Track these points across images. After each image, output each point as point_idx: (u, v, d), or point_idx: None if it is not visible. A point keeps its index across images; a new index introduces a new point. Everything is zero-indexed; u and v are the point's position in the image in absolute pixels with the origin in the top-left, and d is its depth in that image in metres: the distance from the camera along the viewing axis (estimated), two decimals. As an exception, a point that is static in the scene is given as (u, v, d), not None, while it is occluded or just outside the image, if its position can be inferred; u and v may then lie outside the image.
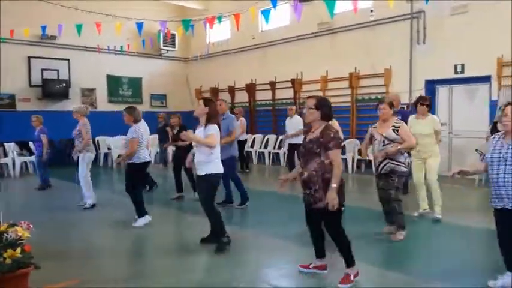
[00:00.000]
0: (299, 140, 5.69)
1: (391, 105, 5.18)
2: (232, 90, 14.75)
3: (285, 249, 4.96)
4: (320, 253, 4.05)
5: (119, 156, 6.97)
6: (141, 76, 15.69)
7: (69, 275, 4.15)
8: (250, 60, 14.27)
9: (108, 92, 14.95)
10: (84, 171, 7.12)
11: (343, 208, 6.27)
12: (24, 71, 13.10)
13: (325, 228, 3.84)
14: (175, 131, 7.95)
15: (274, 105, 13.72)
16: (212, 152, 4.71)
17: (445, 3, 9.59)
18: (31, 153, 11.42)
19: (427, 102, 6.02)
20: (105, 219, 6.61)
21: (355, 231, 5.58)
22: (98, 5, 12.04)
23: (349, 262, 3.83)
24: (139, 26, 10.49)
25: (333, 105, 4.02)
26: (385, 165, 5.02)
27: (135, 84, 15.62)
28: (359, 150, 10.96)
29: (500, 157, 3.42)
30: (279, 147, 12.82)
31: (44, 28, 11.02)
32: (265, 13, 9.76)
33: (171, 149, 10.33)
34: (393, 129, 5.03)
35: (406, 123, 5.71)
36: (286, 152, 10.32)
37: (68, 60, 13.81)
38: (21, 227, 3.49)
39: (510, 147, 3.38)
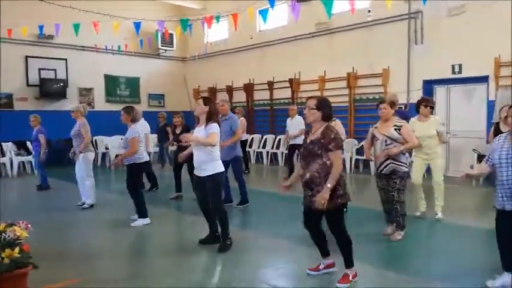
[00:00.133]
0: (300, 140, 5.69)
1: (392, 105, 5.17)
2: (230, 90, 14.75)
3: (284, 249, 4.96)
4: (325, 252, 4.05)
5: (116, 156, 6.94)
6: (139, 76, 15.67)
7: (68, 275, 4.15)
8: (248, 60, 14.27)
9: (106, 91, 14.92)
10: (83, 170, 7.12)
11: (345, 209, 6.31)
12: (21, 71, 13.06)
13: (329, 228, 3.82)
14: (178, 131, 7.90)
15: (272, 105, 13.72)
16: (212, 150, 4.71)
17: (442, 3, 9.62)
18: (29, 153, 11.41)
19: (431, 104, 5.96)
20: (103, 219, 6.61)
21: (354, 232, 5.58)
22: (95, 4, 12.01)
23: (349, 262, 3.83)
24: (137, 25, 10.47)
25: (331, 105, 4.02)
26: (387, 165, 5.02)
27: (133, 84, 15.59)
28: (357, 150, 11.03)
29: (508, 158, 3.38)
30: (277, 147, 12.83)
31: (41, 28, 10.99)
32: (263, 13, 9.78)
33: (170, 149, 10.31)
34: (395, 129, 5.02)
35: None
36: (287, 152, 10.31)
37: (66, 59, 13.77)
38: (20, 226, 3.48)
39: None
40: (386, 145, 5.03)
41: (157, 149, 12.15)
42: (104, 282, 3.99)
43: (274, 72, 13.38)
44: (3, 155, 11.41)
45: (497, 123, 6.43)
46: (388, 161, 5.00)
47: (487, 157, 3.51)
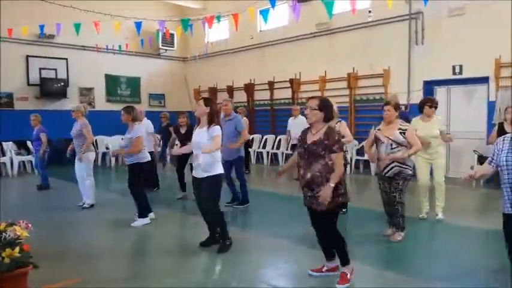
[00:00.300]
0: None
1: (396, 107, 5.11)
2: (230, 90, 14.74)
3: (284, 249, 4.96)
4: (329, 254, 4.02)
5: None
6: (140, 76, 15.67)
7: (69, 274, 4.15)
8: (248, 60, 14.27)
9: (107, 91, 14.93)
10: (84, 170, 7.12)
11: (345, 210, 6.31)
12: (22, 70, 13.07)
13: (323, 227, 3.82)
14: (182, 131, 7.86)
15: (273, 105, 13.72)
16: (215, 152, 4.70)
17: (443, 4, 9.61)
18: (29, 152, 11.42)
19: (435, 104, 5.95)
20: (104, 219, 6.61)
21: (354, 232, 5.62)
22: (96, 4, 12.01)
23: (345, 260, 3.84)
24: (138, 25, 10.48)
25: (331, 105, 4.01)
26: (392, 168, 4.98)
27: (134, 83, 15.60)
28: (357, 150, 11.02)
29: None
30: (278, 147, 12.83)
31: (42, 27, 11.00)
32: (264, 13, 9.77)
33: (172, 151, 10.28)
34: (400, 132, 4.99)
35: None
36: (289, 152, 10.30)
37: (66, 59, 13.78)
38: (20, 226, 3.49)
39: None
40: (392, 149, 4.98)
41: (159, 149, 12.13)
42: (104, 282, 3.99)
43: (274, 72, 13.39)
44: (4, 155, 11.42)
45: (501, 124, 6.41)
46: (393, 164, 4.96)
47: (490, 158, 3.44)
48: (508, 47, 8.36)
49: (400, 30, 10.51)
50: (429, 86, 10.26)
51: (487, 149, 7.65)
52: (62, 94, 13.50)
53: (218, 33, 14.94)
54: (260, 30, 13.95)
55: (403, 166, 4.97)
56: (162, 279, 4.06)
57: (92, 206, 7.16)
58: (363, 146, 10.70)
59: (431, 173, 6.19)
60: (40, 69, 13.27)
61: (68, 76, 13.82)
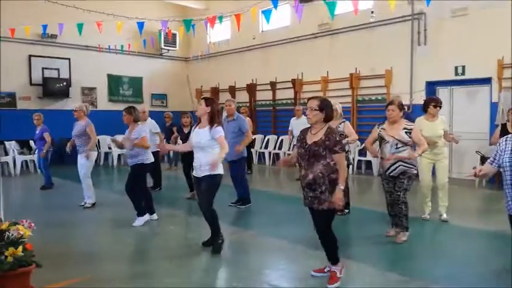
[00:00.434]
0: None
1: (400, 107, 5.08)
2: (232, 90, 14.75)
3: (286, 250, 4.95)
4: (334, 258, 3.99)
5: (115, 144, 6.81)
6: (142, 76, 15.70)
7: (71, 274, 4.16)
8: (250, 61, 14.28)
9: (109, 91, 14.96)
10: (88, 170, 7.13)
11: (347, 210, 6.30)
12: (24, 70, 13.10)
13: (318, 225, 3.81)
14: (186, 131, 7.85)
15: (275, 106, 13.72)
16: (216, 152, 4.68)
17: (445, 4, 9.59)
18: (31, 151, 11.44)
19: (440, 104, 5.93)
20: (107, 218, 6.64)
21: (357, 232, 5.63)
22: (99, 4, 12.05)
23: (335, 260, 3.85)
24: (140, 25, 10.49)
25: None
26: (397, 167, 4.95)
27: (136, 83, 15.62)
28: (359, 151, 11.01)
29: None
30: (280, 148, 12.83)
31: (44, 27, 11.02)
32: (266, 13, 9.76)
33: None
34: (405, 132, 4.95)
35: None
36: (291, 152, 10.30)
37: (69, 59, 13.81)
38: (23, 225, 3.49)
39: None
40: (397, 148, 4.94)
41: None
42: (107, 281, 4.00)
43: (276, 73, 13.39)
44: (6, 154, 11.44)
45: (504, 125, 6.40)
46: (398, 163, 4.93)
47: (492, 158, 3.43)
48: (511, 47, 8.34)
49: (402, 31, 10.49)
50: (431, 87, 10.24)
51: (490, 149, 7.64)
52: (64, 94, 13.54)
53: (220, 33, 14.95)
54: (262, 31, 13.96)
55: (407, 165, 4.94)
56: (164, 279, 4.06)
57: (93, 205, 7.16)
58: (365, 146, 10.73)
59: (433, 173, 6.19)
60: (43, 68, 13.31)
61: (70, 76, 13.85)
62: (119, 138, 6.56)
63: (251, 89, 14.22)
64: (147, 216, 6.07)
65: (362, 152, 11.02)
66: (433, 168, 6.09)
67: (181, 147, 5.42)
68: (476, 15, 9.19)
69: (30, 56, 13.12)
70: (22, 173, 11.44)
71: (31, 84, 13.20)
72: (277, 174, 11.66)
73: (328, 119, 3.77)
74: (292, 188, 7.38)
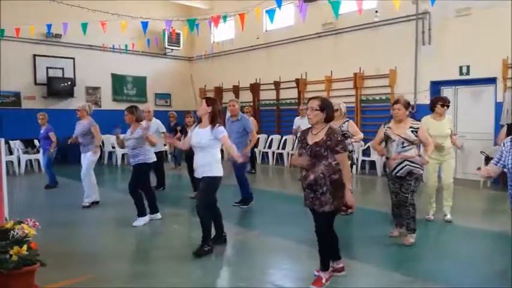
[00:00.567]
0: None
1: (406, 105, 5.02)
2: (236, 90, 14.75)
3: (289, 250, 4.96)
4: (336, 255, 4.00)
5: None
6: (146, 75, 15.74)
7: (74, 273, 4.17)
8: (254, 60, 14.27)
9: (113, 90, 15.00)
10: (90, 167, 7.14)
11: (349, 211, 6.27)
12: (29, 69, 13.16)
13: (319, 226, 3.78)
14: (189, 130, 7.85)
15: (279, 105, 13.71)
16: (216, 153, 4.67)
17: (450, 4, 9.55)
18: (36, 150, 11.48)
19: (447, 103, 5.89)
20: (110, 217, 6.65)
21: (360, 233, 5.62)
22: (103, 4, 12.08)
23: (326, 266, 3.82)
24: (144, 25, 10.51)
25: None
26: (403, 167, 4.88)
27: (140, 83, 15.66)
28: (363, 151, 10.98)
29: None
30: (283, 147, 12.82)
31: (49, 26, 11.05)
32: (270, 13, 9.77)
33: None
34: (412, 131, 4.90)
35: None
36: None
37: (73, 58, 13.86)
38: (28, 224, 3.51)
39: None
40: (403, 147, 4.89)
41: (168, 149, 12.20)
42: (109, 280, 4.01)
43: (280, 72, 13.38)
44: (11, 153, 11.48)
45: (510, 125, 6.37)
46: (405, 163, 4.86)
47: (497, 159, 3.40)
48: (516, 47, 8.32)
49: (407, 31, 10.46)
50: (436, 87, 10.20)
51: (494, 150, 7.60)
52: (68, 93, 13.59)
53: (224, 33, 14.95)
54: (266, 30, 13.95)
55: (415, 165, 4.87)
56: (167, 279, 4.07)
57: (92, 203, 7.14)
58: (369, 146, 10.69)
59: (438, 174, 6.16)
60: (47, 68, 13.36)
61: (74, 75, 13.90)
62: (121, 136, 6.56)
63: (255, 88, 14.22)
64: (147, 218, 6.08)
65: (366, 152, 11.00)
66: (439, 168, 6.06)
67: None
68: (481, 15, 9.14)
69: (34, 55, 13.18)
70: (26, 172, 11.48)
71: (36, 83, 13.25)
72: (281, 174, 11.66)
73: (329, 119, 3.74)
74: (296, 188, 7.36)
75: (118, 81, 15.09)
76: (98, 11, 11.63)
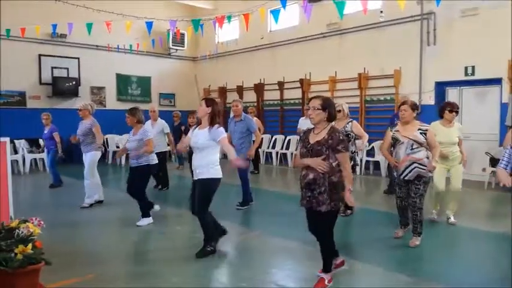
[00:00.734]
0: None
1: (413, 107, 4.98)
2: (240, 90, 14.76)
3: (292, 250, 4.95)
4: (334, 253, 3.99)
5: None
6: (150, 75, 15.77)
7: (78, 272, 4.19)
8: (258, 60, 14.27)
9: (117, 90, 15.04)
10: (90, 167, 7.14)
11: (350, 211, 6.26)
12: (34, 69, 13.22)
13: (319, 228, 3.77)
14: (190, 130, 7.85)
15: (283, 105, 13.71)
16: (215, 154, 4.63)
17: (455, 4, 9.52)
18: (41, 150, 11.53)
19: (456, 109, 5.78)
20: (114, 217, 6.67)
21: (364, 234, 5.60)
22: (108, 4, 12.13)
23: (328, 267, 3.80)
24: (149, 25, 10.54)
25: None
26: (412, 169, 4.83)
27: (144, 83, 15.69)
28: (367, 151, 10.95)
29: None
30: (287, 148, 12.81)
31: (54, 26, 11.11)
32: (275, 13, 9.77)
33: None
34: (420, 132, 4.86)
35: None
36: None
37: (78, 58, 13.91)
38: (33, 223, 3.52)
39: None
40: (412, 149, 4.84)
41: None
42: (112, 280, 4.03)
43: (284, 73, 13.37)
44: (16, 152, 11.55)
45: None
46: (414, 165, 4.81)
47: (505, 162, 3.36)
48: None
49: (411, 31, 10.43)
50: (441, 87, 10.17)
51: (499, 151, 7.56)
52: (73, 93, 13.63)
53: (228, 33, 14.98)
54: (270, 31, 13.95)
55: (424, 168, 4.82)
56: (169, 278, 4.08)
57: (91, 205, 7.13)
58: (373, 146, 10.67)
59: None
60: (52, 68, 13.41)
61: (79, 75, 13.95)
62: (123, 139, 6.58)
63: (259, 88, 14.22)
64: (151, 219, 6.08)
65: (370, 153, 10.97)
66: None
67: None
68: (486, 15, 9.11)
69: (40, 55, 13.23)
70: (31, 171, 11.54)
71: (41, 83, 13.31)
72: (284, 175, 11.65)
73: (331, 118, 3.71)
74: (299, 188, 7.34)
75: (123, 81, 15.13)
76: (103, 11, 11.68)
